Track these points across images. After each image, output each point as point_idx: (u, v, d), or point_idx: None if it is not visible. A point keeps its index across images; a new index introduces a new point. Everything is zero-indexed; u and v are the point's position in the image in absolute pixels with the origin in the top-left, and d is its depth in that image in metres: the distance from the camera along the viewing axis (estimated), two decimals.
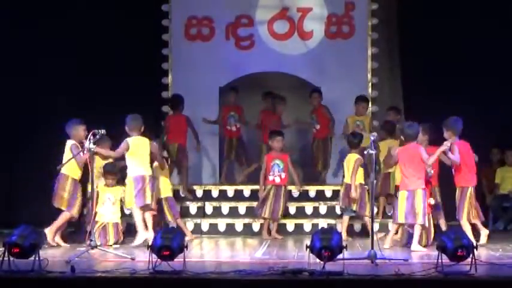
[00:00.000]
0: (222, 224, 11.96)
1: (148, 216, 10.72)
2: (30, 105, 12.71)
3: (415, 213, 10.04)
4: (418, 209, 10.04)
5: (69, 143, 10.57)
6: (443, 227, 10.68)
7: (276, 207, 11.51)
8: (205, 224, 11.94)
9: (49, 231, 10.48)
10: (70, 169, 10.54)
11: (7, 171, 12.64)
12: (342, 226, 11.37)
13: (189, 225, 11.86)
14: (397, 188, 10.57)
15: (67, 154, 10.54)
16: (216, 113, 13.12)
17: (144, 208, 10.68)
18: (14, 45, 12.78)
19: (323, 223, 11.69)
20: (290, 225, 11.89)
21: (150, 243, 8.17)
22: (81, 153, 10.30)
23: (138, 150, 10.68)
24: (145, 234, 10.45)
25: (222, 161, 13.15)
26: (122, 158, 10.83)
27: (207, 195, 12.34)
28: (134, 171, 10.69)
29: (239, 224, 11.95)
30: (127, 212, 11.20)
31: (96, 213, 10.41)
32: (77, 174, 10.61)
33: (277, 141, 11.70)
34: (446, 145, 10.15)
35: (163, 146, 11.83)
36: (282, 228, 11.83)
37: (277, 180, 11.58)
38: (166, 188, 11.35)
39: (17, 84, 12.71)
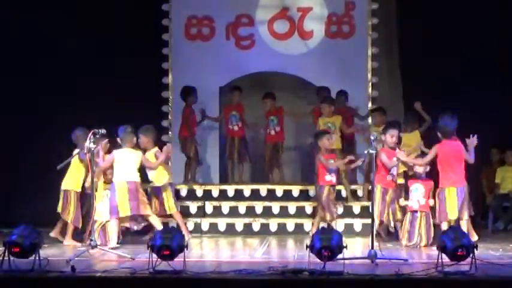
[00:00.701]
0: (222, 223, 11.96)
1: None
2: (30, 105, 12.71)
3: (464, 209, 10.21)
4: (466, 204, 10.27)
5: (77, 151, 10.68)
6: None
7: (332, 208, 11.26)
8: (205, 224, 11.94)
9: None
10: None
11: (7, 171, 12.64)
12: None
13: (189, 224, 11.85)
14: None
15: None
16: (216, 113, 13.13)
17: None
18: (14, 45, 12.78)
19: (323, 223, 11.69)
20: (290, 224, 11.89)
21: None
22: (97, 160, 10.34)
23: None
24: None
25: (225, 160, 13.15)
26: None
27: (207, 195, 12.34)
28: (168, 177, 11.21)
29: (239, 224, 11.95)
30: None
31: (95, 212, 10.37)
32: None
33: (328, 138, 11.29)
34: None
35: None
36: (281, 228, 11.84)
37: (334, 180, 11.30)
38: None
39: (17, 84, 12.72)
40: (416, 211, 10.49)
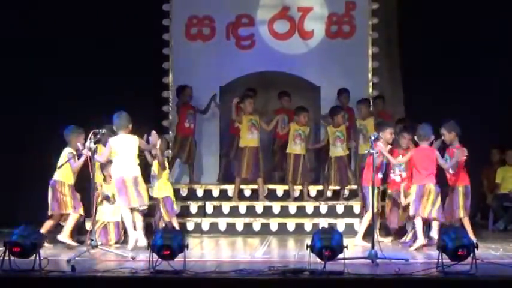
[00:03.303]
0: (222, 223, 11.96)
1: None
2: (30, 105, 12.71)
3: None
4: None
5: (66, 150, 10.58)
6: None
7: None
8: (205, 224, 11.94)
9: (64, 236, 10.46)
10: (65, 175, 10.58)
11: (8, 171, 12.63)
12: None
13: (189, 224, 11.86)
14: None
15: (62, 160, 10.60)
16: (216, 113, 13.14)
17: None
18: (14, 44, 12.78)
19: (324, 223, 11.69)
20: (290, 224, 11.89)
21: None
22: (76, 160, 10.45)
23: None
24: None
25: (225, 159, 13.15)
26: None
27: (207, 195, 12.35)
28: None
29: (240, 224, 11.94)
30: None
31: (96, 212, 10.37)
32: (71, 180, 10.63)
33: (391, 132, 10.66)
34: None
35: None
36: (282, 228, 11.85)
37: (398, 179, 10.91)
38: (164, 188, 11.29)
39: (18, 84, 12.71)
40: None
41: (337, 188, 12.28)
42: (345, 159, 12.22)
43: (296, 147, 12.25)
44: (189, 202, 12.18)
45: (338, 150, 12.21)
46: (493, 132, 12.84)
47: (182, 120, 12.68)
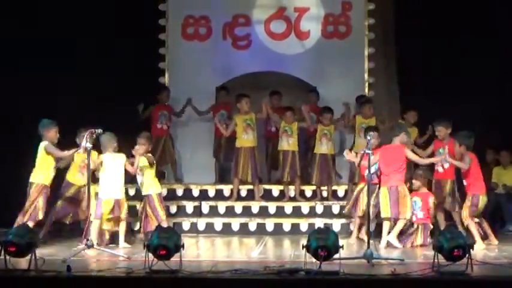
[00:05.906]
0: (218, 223, 11.96)
1: None
2: (30, 105, 12.69)
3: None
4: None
5: (43, 144, 10.64)
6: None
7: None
8: (201, 224, 11.94)
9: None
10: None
11: (5, 171, 12.62)
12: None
13: (185, 224, 11.86)
14: None
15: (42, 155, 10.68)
16: (211, 113, 13.14)
17: None
18: (14, 44, 12.76)
19: (319, 223, 11.70)
20: (286, 224, 11.89)
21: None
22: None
23: None
24: None
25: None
26: None
27: (203, 195, 12.35)
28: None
29: (235, 224, 11.94)
30: None
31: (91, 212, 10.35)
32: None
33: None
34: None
35: None
36: (277, 228, 11.85)
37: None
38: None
39: (18, 84, 12.69)
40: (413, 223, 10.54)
41: (335, 188, 12.31)
42: (329, 158, 12.24)
43: (283, 144, 12.25)
44: (184, 202, 12.18)
45: (323, 147, 12.22)
46: (490, 133, 12.84)
47: (155, 121, 12.67)
